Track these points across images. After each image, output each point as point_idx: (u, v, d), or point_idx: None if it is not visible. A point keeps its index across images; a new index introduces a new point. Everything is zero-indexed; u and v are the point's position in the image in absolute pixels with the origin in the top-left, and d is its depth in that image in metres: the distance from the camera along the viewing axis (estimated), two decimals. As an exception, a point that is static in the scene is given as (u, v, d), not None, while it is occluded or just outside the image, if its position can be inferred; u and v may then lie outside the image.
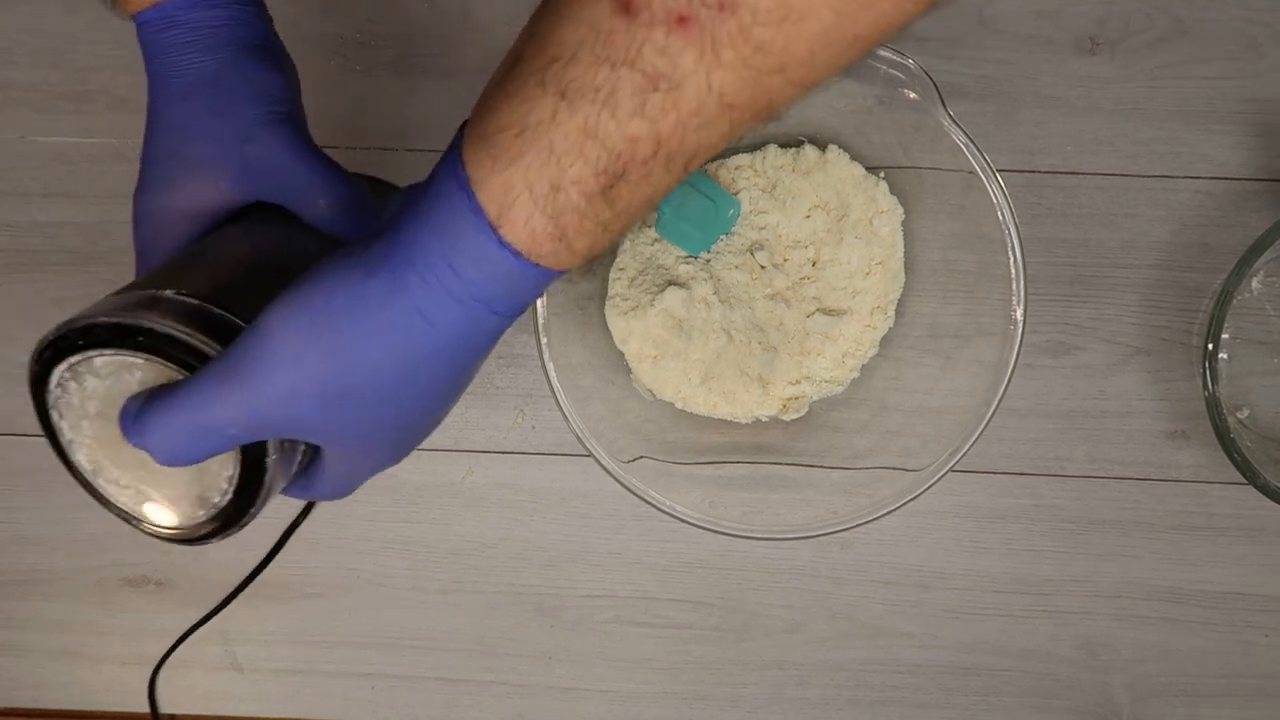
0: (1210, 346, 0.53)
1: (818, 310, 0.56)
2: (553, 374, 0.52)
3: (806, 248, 0.56)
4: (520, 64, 0.30)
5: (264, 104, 0.41)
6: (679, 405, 0.57)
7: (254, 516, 0.38)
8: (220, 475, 0.38)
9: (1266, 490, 0.54)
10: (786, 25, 0.28)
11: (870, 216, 0.56)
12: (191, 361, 0.35)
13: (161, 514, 0.39)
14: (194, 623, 0.60)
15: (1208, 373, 0.53)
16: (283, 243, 0.41)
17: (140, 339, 0.36)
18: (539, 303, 0.52)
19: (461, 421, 0.60)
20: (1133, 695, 0.60)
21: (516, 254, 0.32)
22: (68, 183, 0.60)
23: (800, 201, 0.56)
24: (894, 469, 0.54)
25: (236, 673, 0.61)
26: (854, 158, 0.56)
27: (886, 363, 0.57)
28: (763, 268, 0.56)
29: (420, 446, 0.60)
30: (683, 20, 0.28)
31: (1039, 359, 0.59)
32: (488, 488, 0.60)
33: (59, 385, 0.37)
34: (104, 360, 0.37)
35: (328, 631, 0.61)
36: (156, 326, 0.36)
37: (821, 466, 0.56)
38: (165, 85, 0.41)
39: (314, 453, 0.39)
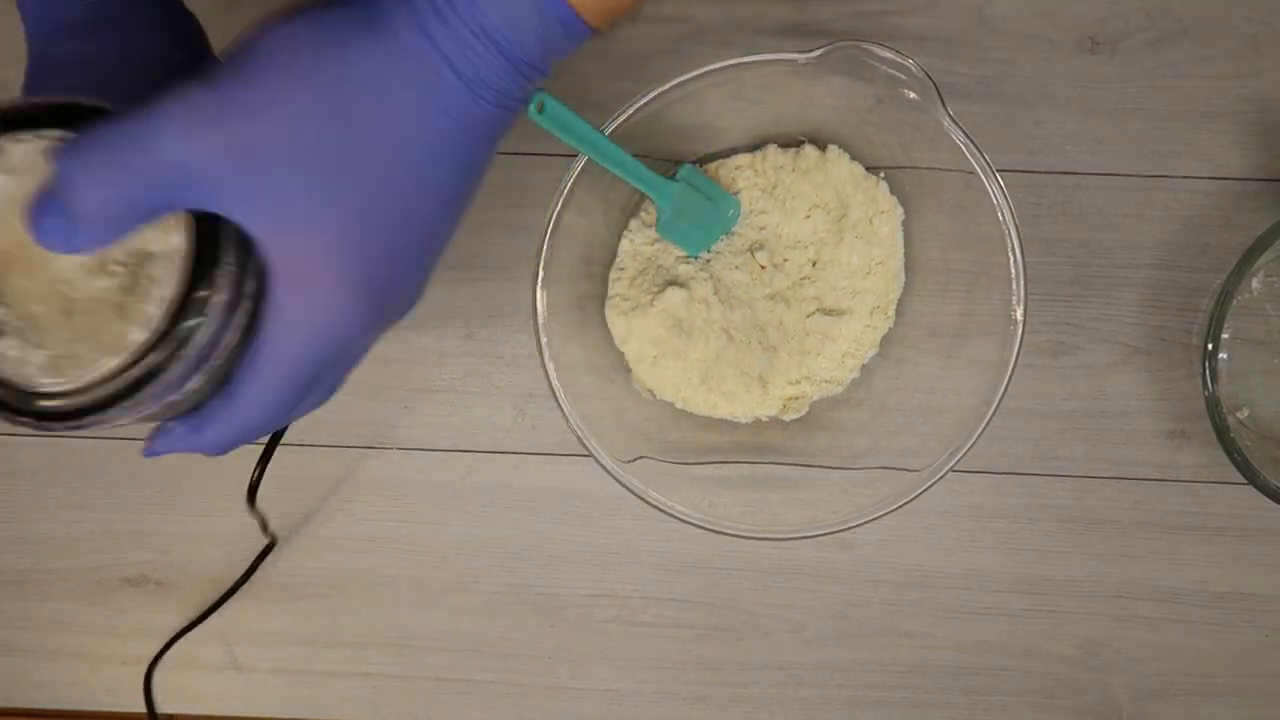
0: (1210, 346, 0.53)
1: (818, 310, 0.56)
2: (553, 374, 0.52)
3: (806, 248, 0.56)
4: None
5: (179, 35, 0.36)
6: (679, 405, 0.57)
7: (175, 378, 0.29)
8: (150, 299, 0.28)
9: (1266, 490, 0.54)
10: None
11: (870, 216, 0.56)
12: None
13: (52, 370, 0.29)
14: (190, 622, 0.60)
15: (1208, 373, 0.53)
16: None
17: (90, 116, 0.28)
18: (539, 303, 0.52)
19: (461, 421, 0.60)
20: (1133, 695, 0.60)
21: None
22: (68, 183, 0.60)
23: (800, 201, 0.56)
24: (894, 469, 0.54)
25: (236, 672, 0.61)
26: (854, 158, 0.56)
27: (886, 363, 0.57)
28: (763, 268, 0.56)
29: (421, 446, 0.60)
30: None
31: (1039, 359, 0.59)
32: (488, 488, 0.60)
33: None
34: (23, 150, 0.28)
35: (328, 631, 0.61)
36: (105, 104, 0.29)
37: (821, 466, 0.56)
38: (58, 27, 0.33)
39: (245, 342, 0.31)
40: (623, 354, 0.56)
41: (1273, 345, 0.58)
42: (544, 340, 0.52)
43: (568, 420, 0.52)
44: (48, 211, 0.27)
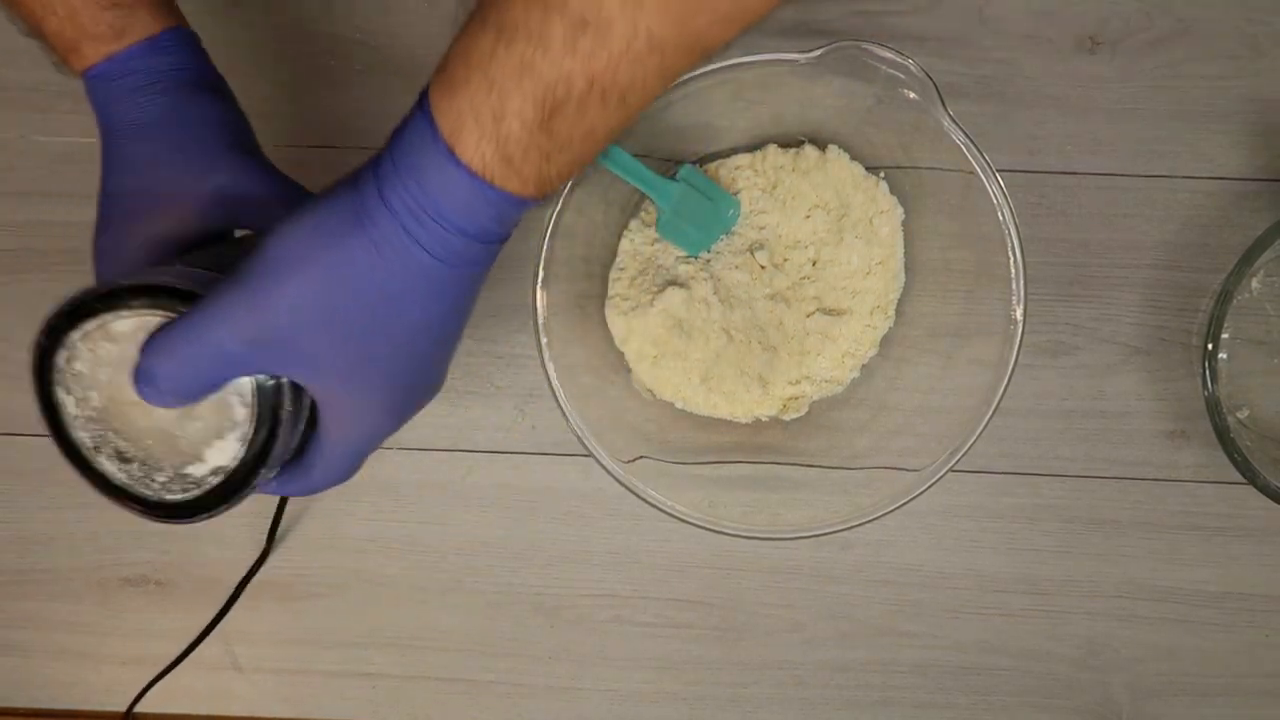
0: (1210, 346, 0.53)
1: (818, 310, 0.56)
2: (553, 374, 0.52)
3: (806, 248, 0.56)
4: (476, 5, 0.34)
5: (225, 135, 0.43)
6: (679, 405, 0.57)
7: (262, 479, 0.39)
8: (232, 435, 0.38)
9: (1266, 490, 0.54)
10: None
11: (870, 216, 0.56)
12: None
13: (170, 484, 0.39)
14: (196, 635, 0.60)
15: (1207, 373, 0.53)
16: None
17: (166, 295, 0.37)
18: (539, 303, 0.52)
19: (461, 421, 0.60)
20: (1133, 695, 0.60)
21: (471, 173, 0.34)
22: (68, 183, 0.60)
23: (800, 201, 0.56)
24: (894, 469, 0.54)
25: (236, 673, 0.61)
26: (854, 158, 0.56)
27: (886, 363, 0.57)
28: (763, 268, 0.56)
29: (420, 446, 0.60)
30: None
31: (1039, 359, 0.59)
32: (488, 488, 0.60)
33: (68, 358, 0.38)
34: (123, 324, 0.37)
35: (328, 631, 0.61)
36: (179, 284, 0.37)
37: (821, 466, 0.56)
38: (122, 128, 0.42)
39: (311, 429, 0.40)
40: (623, 354, 0.56)
41: (1273, 345, 0.58)
42: (544, 340, 0.52)
43: (568, 420, 0.52)
44: (142, 382, 0.37)
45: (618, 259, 0.56)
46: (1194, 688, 0.60)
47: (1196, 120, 0.58)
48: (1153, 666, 0.60)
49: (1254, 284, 0.58)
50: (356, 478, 0.60)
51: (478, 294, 0.39)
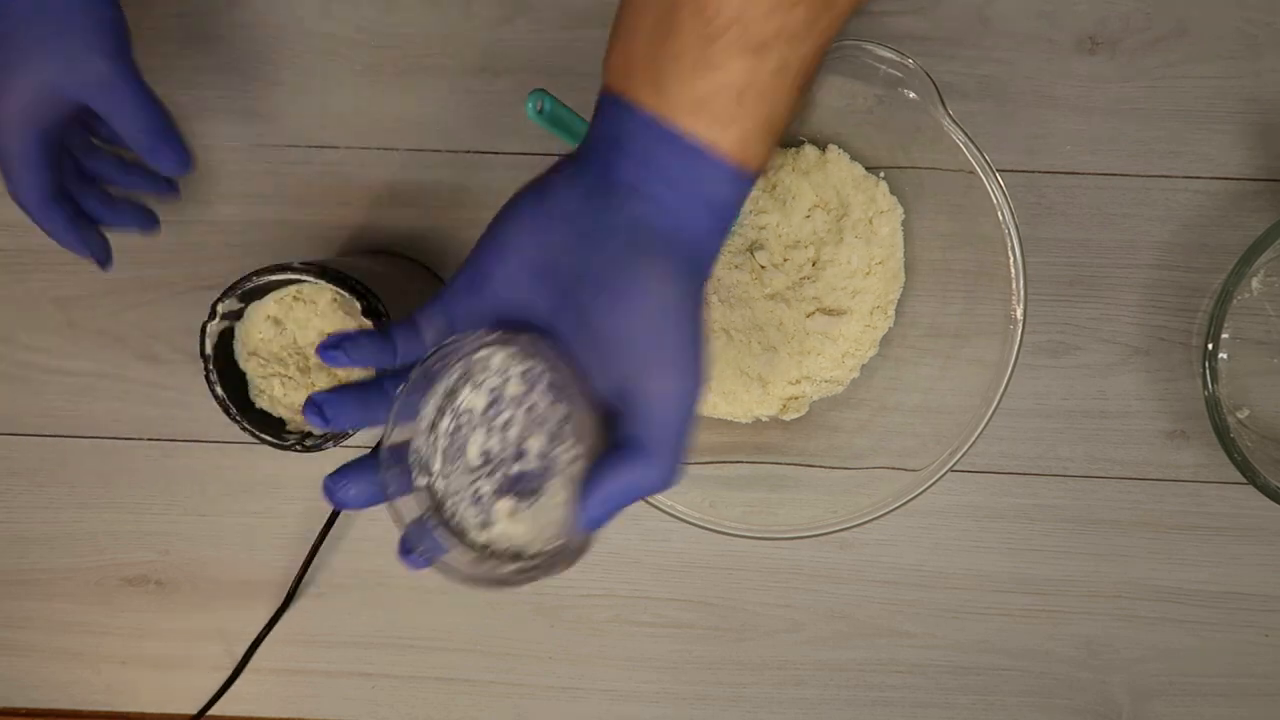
0: (1210, 346, 0.53)
1: (817, 310, 0.56)
2: (553, 374, 0.52)
3: (806, 247, 0.56)
4: (710, 38, 0.35)
5: (96, 29, 0.45)
6: (679, 405, 0.57)
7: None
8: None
9: (1266, 490, 0.54)
10: None
11: (870, 216, 0.56)
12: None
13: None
14: (270, 618, 0.60)
15: (1208, 373, 0.53)
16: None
17: (353, 285, 0.49)
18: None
19: (461, 421, 0.60)
20: (1133, 695, 0.60)
21: (754, 175, 0.36)
22: (68, 183, 0.60)
23: (800, 201, 0.56)
24: (894, 469, 0.54)
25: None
26: (854, 158, 0.56)
27: (886, 363, 0.57)
28: (762, 267, 0.56)
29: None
30: None
31: (1039, 359, 0.59)
32: (488, 488, 0.60)
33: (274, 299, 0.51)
34: (316, 291, 0.51)
35: (328, 631, 0.61)
36: (367, 282, 0.49)
37: (821, 466, 0.56)
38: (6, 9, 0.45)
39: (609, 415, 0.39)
40: (623, 354, 0.56)
41: (1273, 345, 0.58)
42: (544, 340, 0.52)
43: (568, 420, 0.52)
44: (359, 349, 0.40)
45: (618, 259, 0.56)
46: (1194, 688, 0.60)
47: (1196, 120, 0.58)
48: (1153, 666, 0.60)
49: (1254, 284, 0.58)
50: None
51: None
